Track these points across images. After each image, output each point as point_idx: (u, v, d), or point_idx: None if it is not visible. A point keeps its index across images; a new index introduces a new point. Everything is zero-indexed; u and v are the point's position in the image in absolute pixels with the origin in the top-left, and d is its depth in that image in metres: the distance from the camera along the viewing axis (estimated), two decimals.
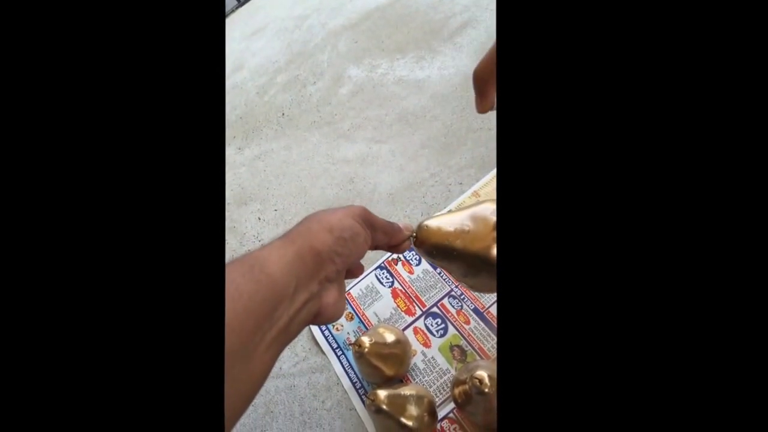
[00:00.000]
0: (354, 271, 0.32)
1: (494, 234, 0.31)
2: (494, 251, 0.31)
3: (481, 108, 0.26)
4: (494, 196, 0.40)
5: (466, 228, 0.32)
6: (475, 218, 0.32)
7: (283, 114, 0.81)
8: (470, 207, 0.34)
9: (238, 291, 0.21)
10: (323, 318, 0.27)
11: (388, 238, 0.31)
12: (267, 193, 0.69)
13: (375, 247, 0.31)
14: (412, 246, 0.34)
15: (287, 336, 0.24)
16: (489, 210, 0.33)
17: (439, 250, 0.32)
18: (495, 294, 0.46)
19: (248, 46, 1.02)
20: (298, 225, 0.27)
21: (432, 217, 0.34)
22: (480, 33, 0.73)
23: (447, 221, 0.33)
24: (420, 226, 0.33)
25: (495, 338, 0.44)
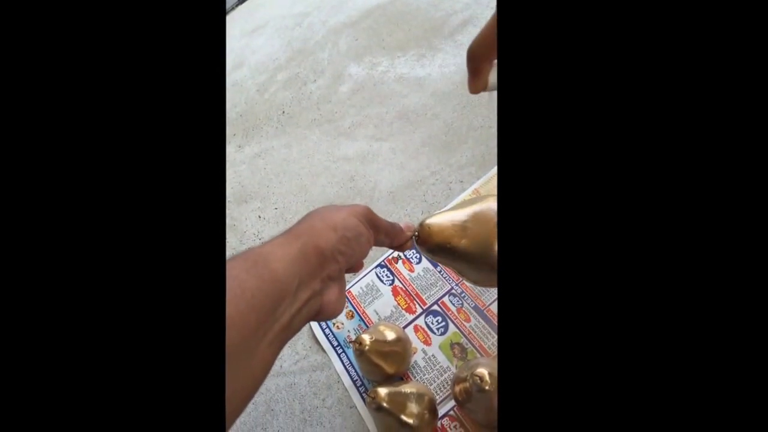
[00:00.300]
0: (353, 267, 0.32)
1: (495, 231, 0.31)
2: (495, 249, 0.31)
3: (474, 88, 0.25)
4: (495, 193, 0.40)
5: (468, 226, 0.32)
6: (476, 216, 0.32)
7: (283, 112, 0.80)
8: (471, 204, 0.34)
9: (241, 287, 0.21)
10: (324, 315, 0.27)
11: (390, 239, 0.31)
12: (267, 191, 0.69)
13: (376, 245, 0.31)
14: (414, 245, 0.34)
15: (289, 333, 0.24)
16: (490, 207, 0.33)
17: (441, 249, 0.32)
18: (495, 292, 0.46)
19: (248, 43, 1.02)
20: (302, 221, 0.27)
21: (433, 216, 0.33)
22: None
23: (448, 220, 0.33)
24: (422, 225, 0.33)
25: (495, 336, 0.44)
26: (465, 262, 0.32)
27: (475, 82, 0.25)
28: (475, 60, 0.24)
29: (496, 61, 0.24)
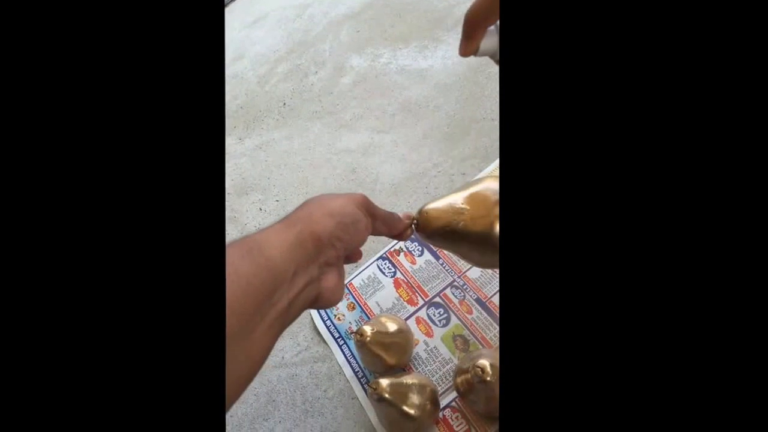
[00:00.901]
0: (352, 256, 0.32)
1: (495, 211, 0.31)
2: (497, 229, 0.31)
3: (465, 51, 0.26)
4: (493, 174, 0.39)
5: (466, 208, 0.32)
6: (473, 197, 0.32)
7: (284, 104, 0.80)
8: (468, 187, 0.33)
9: (237, 273, 0.21)
10: (322, 302, 0.27)
11: (387, 227, 0.32)
12: (268, 183, 0.69)
13: (375, 234, 0.31)
14: (415, 233, 0.34)
15: (286, 319, 0.24)
16: (488, 187, 0.33)
17: (441, 234, 0.32)
18: (497, 284, 0.46)
19: (248, 35, 1.01)
20: (299, 208, 0.27)
21: (432, 202, 0.33)
22: None
23: (446, 204, 0.33)
24: (421, 212, 0.33)
25: (497, 327, 0.44)
26: (467, 245, 0.32)
27: (467, 46, 0.25)
28: (471, 25, 0.24)
29: (490, 28, 0.25)
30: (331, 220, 0.26)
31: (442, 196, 0.34)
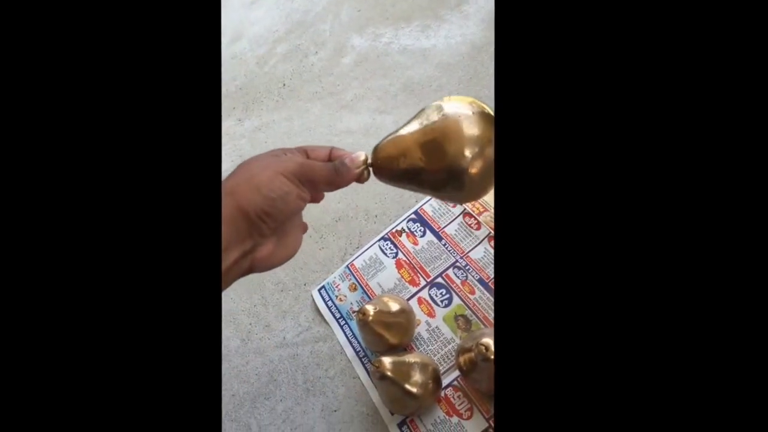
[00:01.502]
0: (314, 198, 0.31)
1: (458, 143, 0.28)
2: (461, 162, 0.28)
3: None
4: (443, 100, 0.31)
5: (427, 143, 0.29)
6: (434, 129, 0.29)
7: (284, 84, 0.79)
8: (427, 118, 0.30)
9: None
10: (260, 269, 0.28)
11: (334, 185, 0.30)
12: None
13: (326, 191, 0.31)
14: (373, 174, 0.31)
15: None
16: (446, 116, 0.29)
17: (402, 174, 0.29)
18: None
19: (247, 15, 0.99)
20: (229, 177, 0.27)
21: (386, 139, 0.30)
22: (488, 1, 0.71)
23: (404, 140, 0.29)
24: (376, 152, 0.30)
25: None
26: (429, 182, 0.29)
27: None
28: None
29: None
30: (257, 195, 0.26)
31: (396, 132, 0.30)
